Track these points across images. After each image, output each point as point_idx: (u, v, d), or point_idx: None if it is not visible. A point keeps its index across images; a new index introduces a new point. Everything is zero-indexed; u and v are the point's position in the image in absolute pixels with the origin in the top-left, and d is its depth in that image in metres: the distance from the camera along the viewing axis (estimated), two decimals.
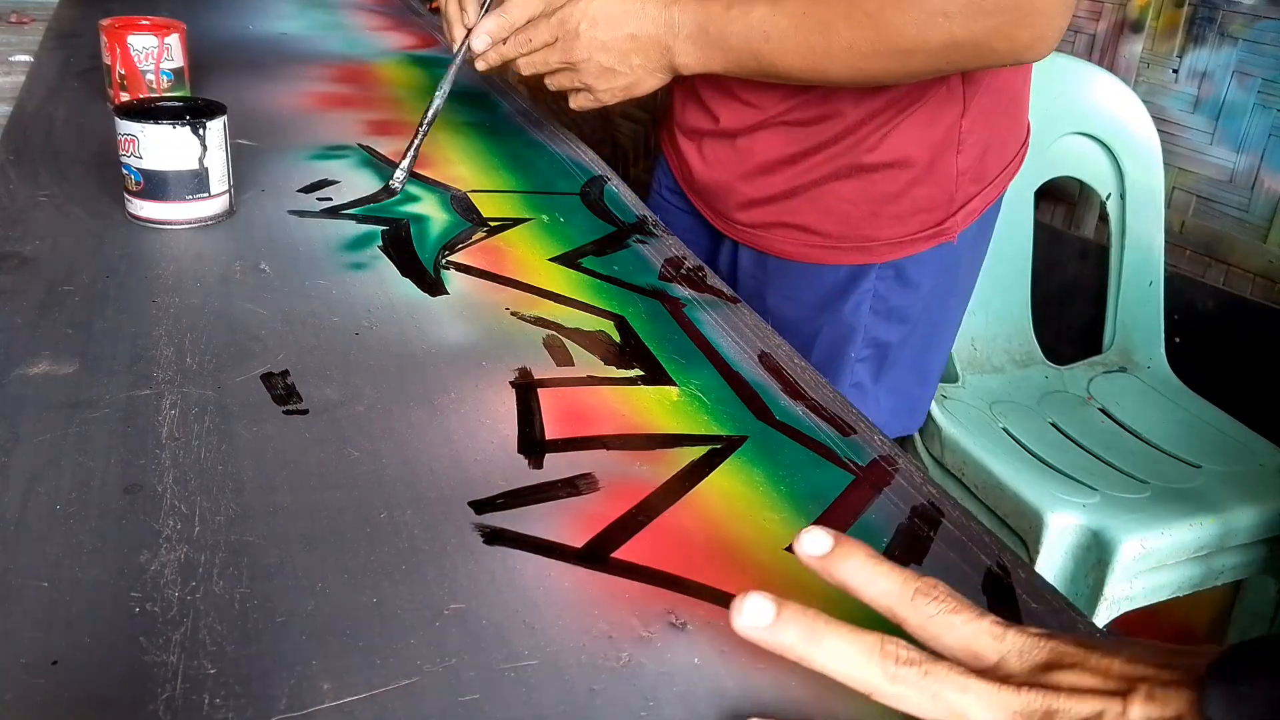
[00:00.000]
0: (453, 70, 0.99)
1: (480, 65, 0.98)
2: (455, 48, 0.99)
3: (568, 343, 0.72)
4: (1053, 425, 1.40)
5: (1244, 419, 1.43)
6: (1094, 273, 1.57)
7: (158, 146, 0.83)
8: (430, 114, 0.99)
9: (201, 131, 0.84)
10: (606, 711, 0.43)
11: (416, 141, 0.98)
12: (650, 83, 0.93)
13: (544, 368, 0.69)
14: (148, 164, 0.83)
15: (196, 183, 0.85)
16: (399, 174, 0.96)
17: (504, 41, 0.95)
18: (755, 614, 0.43)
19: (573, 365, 0.69)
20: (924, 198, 0.95)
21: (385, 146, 1.07)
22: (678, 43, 0.89)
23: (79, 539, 0.50)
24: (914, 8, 0.80)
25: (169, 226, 0.86)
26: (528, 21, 0.94)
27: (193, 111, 0.86)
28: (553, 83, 0.96)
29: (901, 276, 0.99)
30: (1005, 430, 1.37)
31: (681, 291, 0.82)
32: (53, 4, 1.65)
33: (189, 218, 0.86)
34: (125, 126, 0.83)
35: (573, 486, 0.57)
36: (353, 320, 0.73)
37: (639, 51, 0.91)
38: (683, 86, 1.04)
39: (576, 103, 0.97)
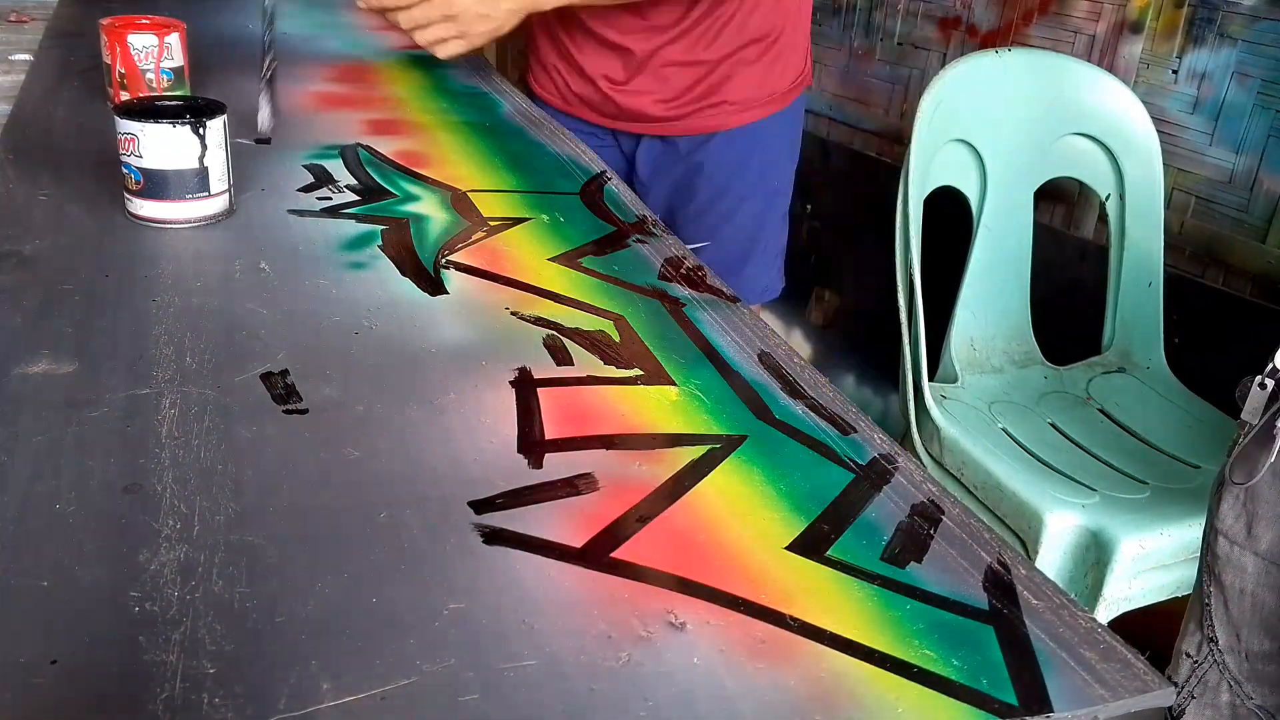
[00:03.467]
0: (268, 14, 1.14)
1: (361, 3, 1.17)
2: None
3: (567, 342, 0.72)
4: (1052, 425, 1.40)
5: None
6: (1093, 273, 1.57)
7: (158, 146, 0.83)
8: (269, 64, 1.07)
9: (201, 131, 0.84)
10: (606, 711, 0.43)
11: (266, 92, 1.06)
12: (511, 23, 1.17)
13: (544, 367, 0.69)
14: (148, 163, 0.83)
15: (197, 182, 0.85)
16: (264, 123, 1.04)
17: None
18: None
19: (572, 365, 0.69)
20: (793, 53, 1.34)
21: (385, 146, 1.07)
22: None
23: (79, 539, 0.50)
24: None
25: (169, 226, 0.85)
26: None
27: (193, 111, 0.86)
28: (425, 36, 1.16)
29: (795, 114, 1.38)
30: (1004, 430, 1.37)
31: (681, 291, 0.82)
32: (53, 3, 1.65)
33: (189, 217, 0.86)
34: (125, 126, 0.83)
35: (572, 486, 0.57)
36: (353, 320, 0.73)
37: None
38: (574, 36, 1.30)
39: (446, 51, 1.17)
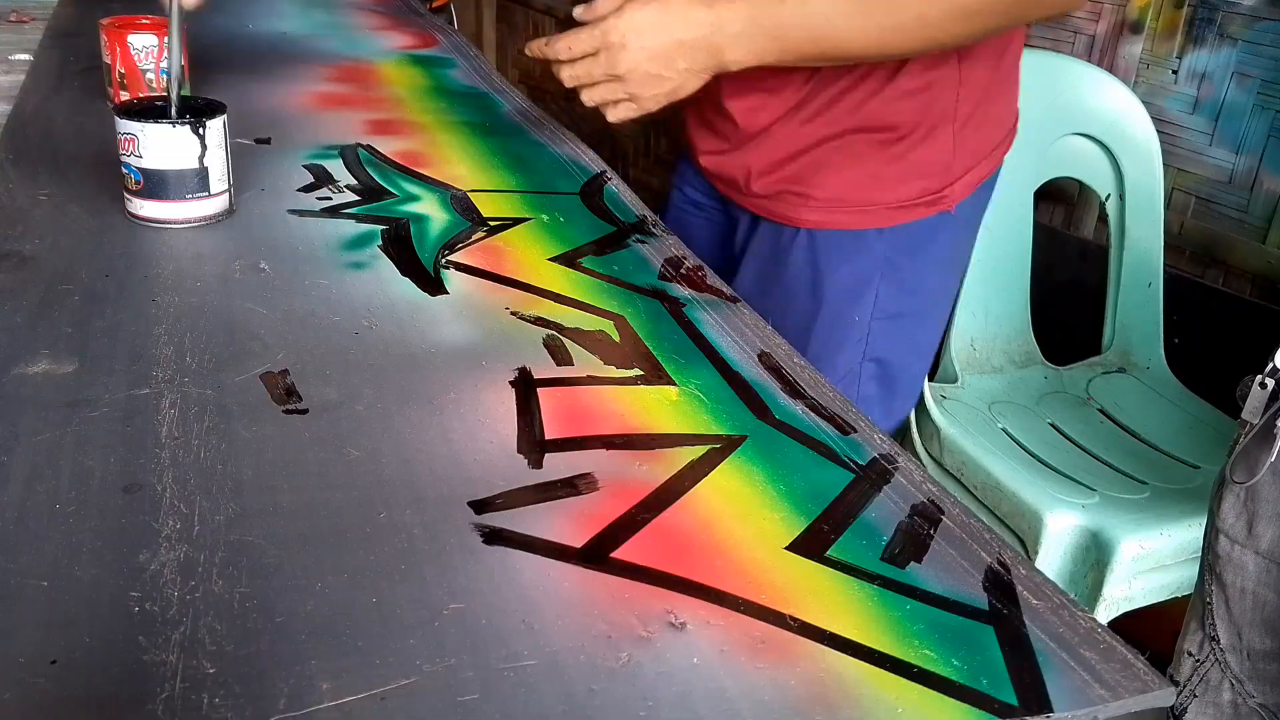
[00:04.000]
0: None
1: (528, 51, 0.97)
2: None
3: (568, 342, 0.72)
4: (1052, 426, 1.40)
5: None
6: (1093, 273, 1.57)
7: (158, 145, 0.83)
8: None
9: (201, 131, 0.84)
10: (606, 711, 0.43)
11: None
12: (693, 84, 0.93)
13: (544, 367, 0.69)
14: (148, 163, 0.83)
15: (197, 182, 0.85)
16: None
17: (546, 42, 0.94)
18: None
19: (572, 365, 0.69)
20: (922, 163, 1.00)
21: (385, 146, 1.07)
22: (726, 40, 0.89)
23: (78, 538, 0.50)
24: None
25: (169, 226, 0.85)
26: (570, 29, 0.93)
27: (193, 111, 0.86)
28: (592, 96, 0.95)
29: (909, 243, 1.03)
30: (1004, 431, 1.37)
31: (681, 291, 0.82)
32: (53, 3, 1.65)
33: (189, 217, 0.86)
34: (125, 125, 0.83)
35: (572, 486, 0.57)
36: (353, 320, 0.73)
37: (685, 55, 0.91)
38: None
39: (616, 115, 0.96)
